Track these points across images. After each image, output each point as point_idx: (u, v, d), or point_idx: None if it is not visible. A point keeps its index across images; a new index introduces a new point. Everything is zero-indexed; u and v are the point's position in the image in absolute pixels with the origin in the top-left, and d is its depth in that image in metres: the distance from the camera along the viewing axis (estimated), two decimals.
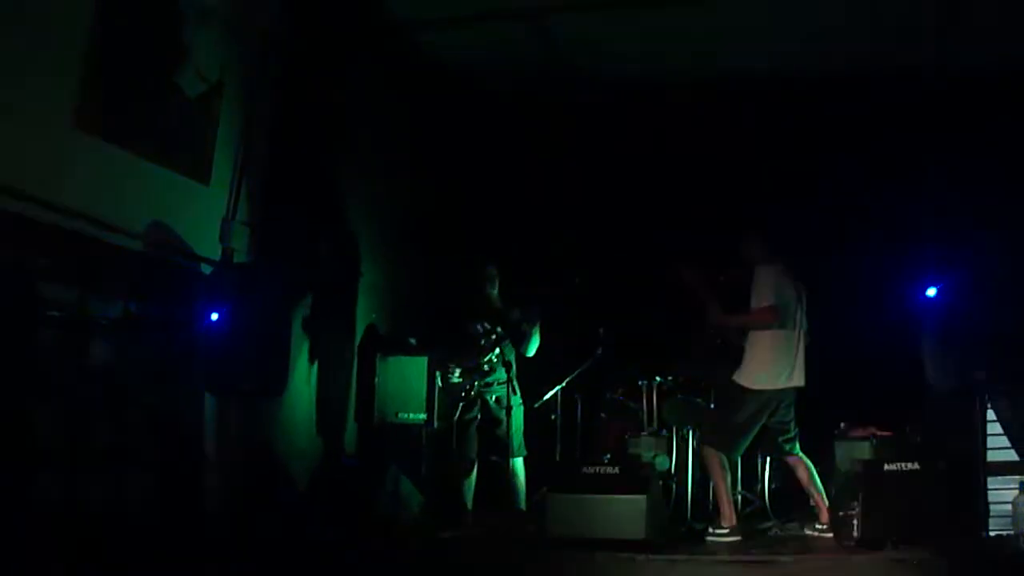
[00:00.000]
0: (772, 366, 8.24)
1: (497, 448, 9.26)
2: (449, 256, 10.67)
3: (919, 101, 10.00)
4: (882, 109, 10.14)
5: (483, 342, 9.24)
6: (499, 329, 9.18)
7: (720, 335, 9.36)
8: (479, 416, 9.34)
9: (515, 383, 9.30)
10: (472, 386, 9.21)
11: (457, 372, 9.20)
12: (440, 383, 9.31)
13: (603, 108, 11.22)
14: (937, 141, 9.89)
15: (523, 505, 9.27)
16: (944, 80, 9.94)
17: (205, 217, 8.13)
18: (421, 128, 10.99)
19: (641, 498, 7.71)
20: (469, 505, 9.39)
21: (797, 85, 10.41)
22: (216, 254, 8.15)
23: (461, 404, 9.23)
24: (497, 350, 9.22)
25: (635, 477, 7.93)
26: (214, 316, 7.69)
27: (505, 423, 9.07)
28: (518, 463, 9.32)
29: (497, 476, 9.41)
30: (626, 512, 7.70)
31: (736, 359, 8.49)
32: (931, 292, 8.25)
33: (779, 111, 10.60)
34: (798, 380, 8.30)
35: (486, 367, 9.23)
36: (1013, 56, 9.60)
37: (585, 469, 8.09)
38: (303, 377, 9.17)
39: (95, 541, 6.71)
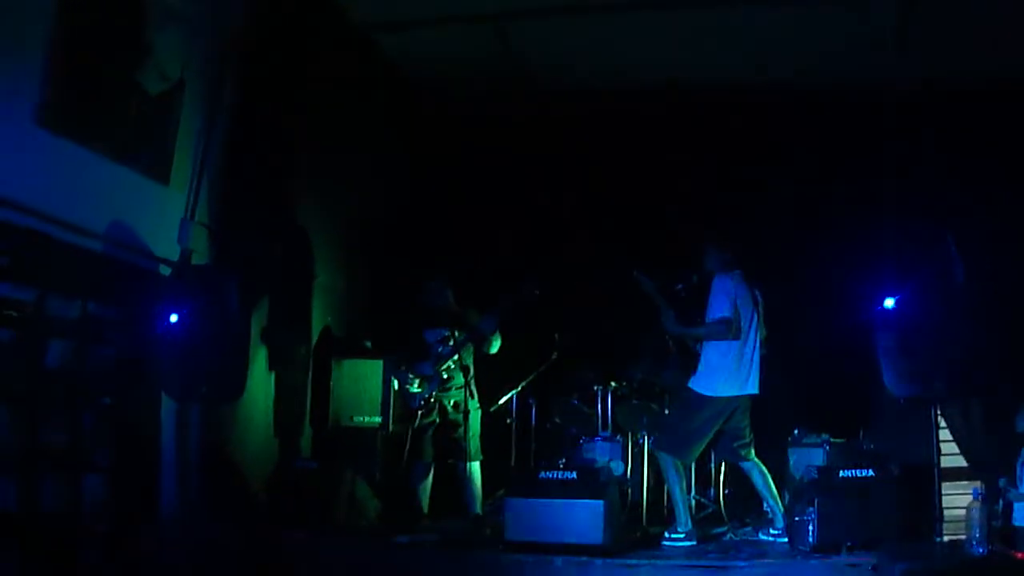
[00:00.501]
0: (727, 373, 8.27)
1: (454, 452, 9.22)
2: (404, 260, 10.66)
3: (880, 110, 10.09)
4: (842, 118, 10.23)
5: (441, 350, 9.20)
6: (457, 334, 9.14)
7: (674, 341, 9.42)
8: (436, 421, 9.29)
9: (472, 387, 9.28)
10: (431, 393, 9.17)
11: (416, 382, 9.16)
12: (396, 388, 9.30)
13: (561, 115, 11.27)
14: (897, 151, 9.99)
15: (479, 509, 9.26)
16: (906, 89, 10.04)
17: (164, 217, 8.08)
18: (379, 132, 10.98)
19: (599, 503, 7.69)
20: (425, 509, 9.35)
21: (756, 94, 10.49)
22: (175, 255, 8.09)
23: (420, 412, 9.19)
24: (456, 356, 9.18)
25: (593, 482, 7.90)
26: (173, 318, 7.64)
27: (462, 428, 9.04)
28: (474, 467, 9.28)
29: (453, 480, 9.37)
30: (584, 517, 7.67)
31: (691, 365, 8.52)
32: (889, 303, 8.30)
33: (738, 119, 10.66)
34: (752, 387, 8.34)
35: (444, 374, 9.19)
36: (972, 67, 9.74)
37: (542, 474, 8.06)
38: (259, 380, 9.13)
39: (50, 544, 6.65)
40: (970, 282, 8.28)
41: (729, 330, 8.21)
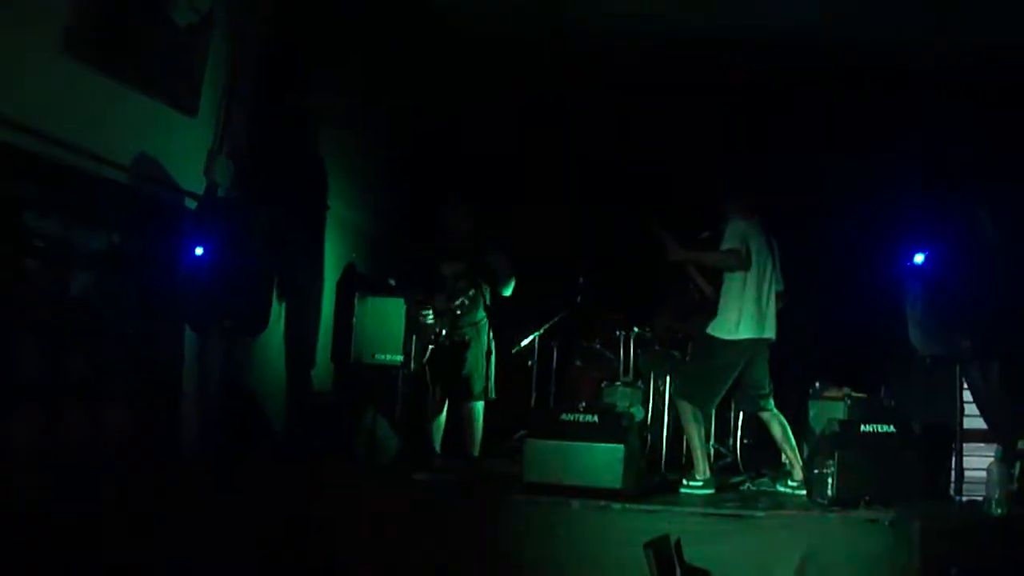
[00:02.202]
0: (743, 316, 8.25)
1: (459, 390, 9.20)
2: (429, 198, 10.60)
3: (915, 63, 9.98)
4: (879, 69, 10.12)
5: (456, 285, 9.15)
6: (473, 271, 9.08)
7: (698, 289, 9.39)
8: (449, 358, 9.25)
9: (487, 327, 9.26)
10: (443, 328, 9.12)
11: (431, 314, 9.10)
12: (413, 324, 9.26)
13: (590, 57, 11.13)
14: (932, 110, 9.88)
15: (476, 451, 9.23)
16: (938, 49, 9.92)
17: (191, 150, 8.06)
18: (404, 68, 10.89)
19: (619, 447, 7.70)
20: (438, 448, 9.33)
21: (788, 44, 10.36)
22: (200, 188, 8.08)
23: (431, 346, 9.15)
24: (471, 292, 9.12)
25: (614, 426, 7.89)
26: (198, 251, 7.64)
27: (469, 366, 9.05)
28: (478, 407, 9.24)
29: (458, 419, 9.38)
30: (604, 461, 7.68)
31: (711, 312, 8.50)
32: (919, 259, 8.25)
33: (767, 69, 10.55)
34: (769, 332, 8.33)
35: (458, 310, 9.13)
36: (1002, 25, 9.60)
37: (563, 416, 8.05)
38: (278, 315, 9.12)
39: (72, 474, 6.69)
40: (1002, 243, 8.22)
41: (738, 261, 8.20)
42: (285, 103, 8.93)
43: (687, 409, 8.40)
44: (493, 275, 9.14)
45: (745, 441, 9.60)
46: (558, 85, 11.37)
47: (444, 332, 9.03)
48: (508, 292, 9.22)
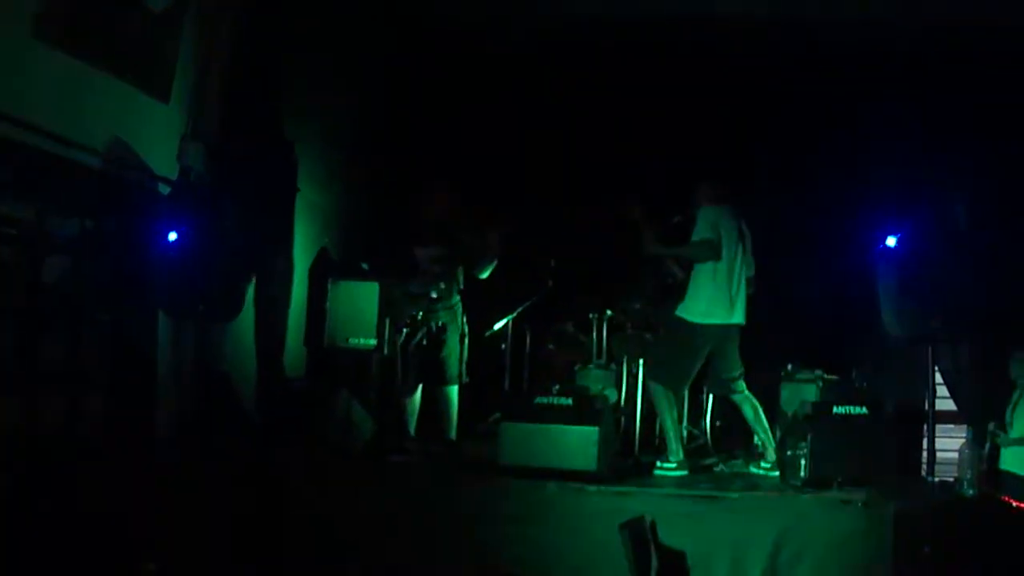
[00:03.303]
0: (713, 301, 8.29)
1: (434, 374, 9.23)
2: (402, 183, 10.59)
3: (882, 46, 10.03)
4: (845, 52, 10.16)
5: (431, 269, 9.15)
6: (449, 254, 9.10)
7: (671, 273, 9.42)
8: (424, 342, 9.26)
9: (460, 310, 9.28)
10: (418, 312, 9.13)
11: (402, 296, 9.10)
12: (387, 307, 9.26)
13: (561, 39, 11.13)
14: (904, 92, 9.93)
15: (453, 434, 9.26)
16: (911, 31, 9.96)
17: (164, 135, 8.05)
18: (377, 52, 10.86)
19: (594, 429, 7.73)
20: (412, 431, 9.35)
21: (753, 28, 10.38)
22: (173, 173, 8.06)
23: (406, 330, 9.15)
24: (446, 276, 9.13)
25: (588, 409, 7.92)
26: (171, 236, 7.63)
27: (446, 349, 9.07)
28: (453, 391, 9.29)
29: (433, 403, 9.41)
30: (578, 443, 7.71)
31: (683, 295, 8.54)
32: (891, 241, 8.30)
33: (736, 53, 10.58)
34: (739, 317, 8.37)
35: (434, 294, 9.13)
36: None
37: (538, 399, 8.08)
38: (250, 299, 9.11)
39: (47, 461, 6.68)
40: (973, 228, 8.30)
41: (712, 252, 8.23)
42: (257, 88, 8.89)
43: (659, 391, 8.43)
44: (470, 258, 9.15)
45: (718, 423, 9.65)
46: (529, 67, 11.35)
47: (419, 315, 9.05)
48: (485, 275, 9.23)
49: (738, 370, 8.45)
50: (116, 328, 7.53)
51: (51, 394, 6.94)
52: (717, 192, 8.45)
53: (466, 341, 9.29)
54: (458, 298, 9.26)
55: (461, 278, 9.26)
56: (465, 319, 9.32)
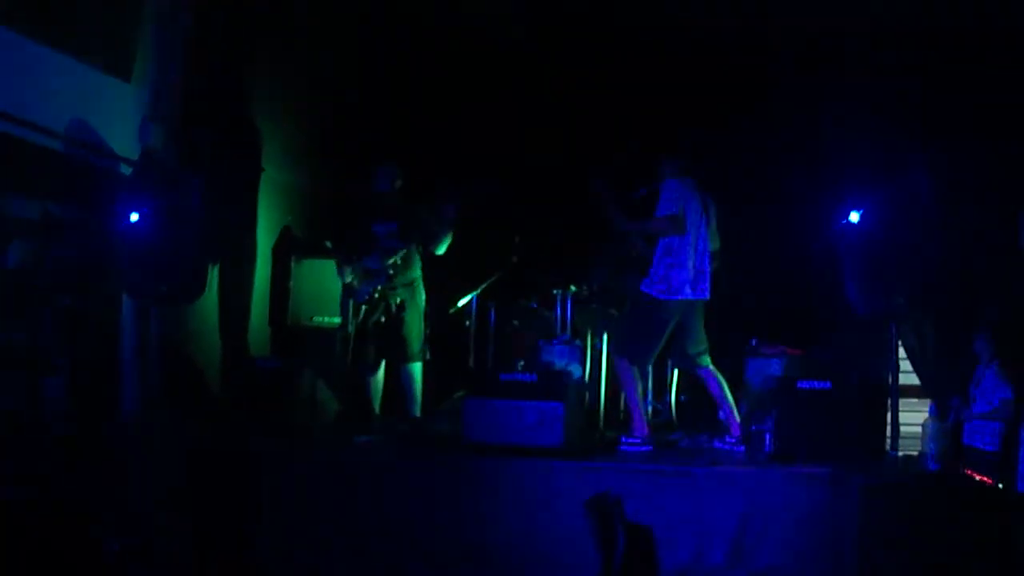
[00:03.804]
0: (677, 276, 8.30)
1: (395, 352, 9.22)
2: (362, 159, 10.54)
3: (845, 20, 10.02)
4: (806, 26, 10.18)
5: (386, 244, 9.13)
6: (405, 230, 9.07)
7: (635, 247, 9.42)
8: (383, 319, 9.23)
9: (421, 287, 9.27)
10: (376, 289, 9.10)
11: (348, 272, 9.06)
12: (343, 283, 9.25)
13: (521, 16, 11.11)
14: (865, 61, 9.96)
15: (417, 412, 9.26)
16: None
17: (125, 115, 7.97)
18: (342, 30, 10.81)
19: (558, 405, 7.73)
20: (377, 409, 9.35)
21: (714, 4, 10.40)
22: (135, 154, 7.99)
23: (364, 307, 9.14)
24: (402, 251, 9.11)
25: (553, 384, 7.95)
26: (133, 217, 7.57)
27: (406, 327, 9.08)
28: (416, 368, 9.27)
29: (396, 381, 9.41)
30: (543, 419, 7.72)
31: (647, 270, 8.56)
32: (854, 217, 8.31)
33: (698, 27, 10.58)
34: (703, 293, 8.39)
35: (390, 270, 9.10)
36: None
37: (502, 375, 8.10)
38: (213, 280, 9.07)
39: (11, 446, 6.66)
40: (939, 205, 8.35)
41: (675, 227, 8.24)
42: (220, 67, 8.83)
43: (624, 366, 8.47)
44: (426, 233, 9.13)
45: (682, 398, 9.71)
46: (492, 43, 11.33)
47: (378, 292, 9.03)
48: (442, 251, 9.19)
49: (703, 345, 8.49)
50: (78, 311, 7.47)
51: (12, 378, 6.90)
52: (681, 166, 8.45)
53: (427, 319, 9.30)
54: (418, 274, 9.25)
55: (418, 254, 9.25)
56: (425, 297, 9.32)
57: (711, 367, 8.50)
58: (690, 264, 8.31)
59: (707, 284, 8.41)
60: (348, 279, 9.02)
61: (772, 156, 10.49)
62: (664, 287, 8.32)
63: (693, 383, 9.15)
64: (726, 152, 9.79)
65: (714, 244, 8.52)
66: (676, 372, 9.59)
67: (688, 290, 8.32)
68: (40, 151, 7.02)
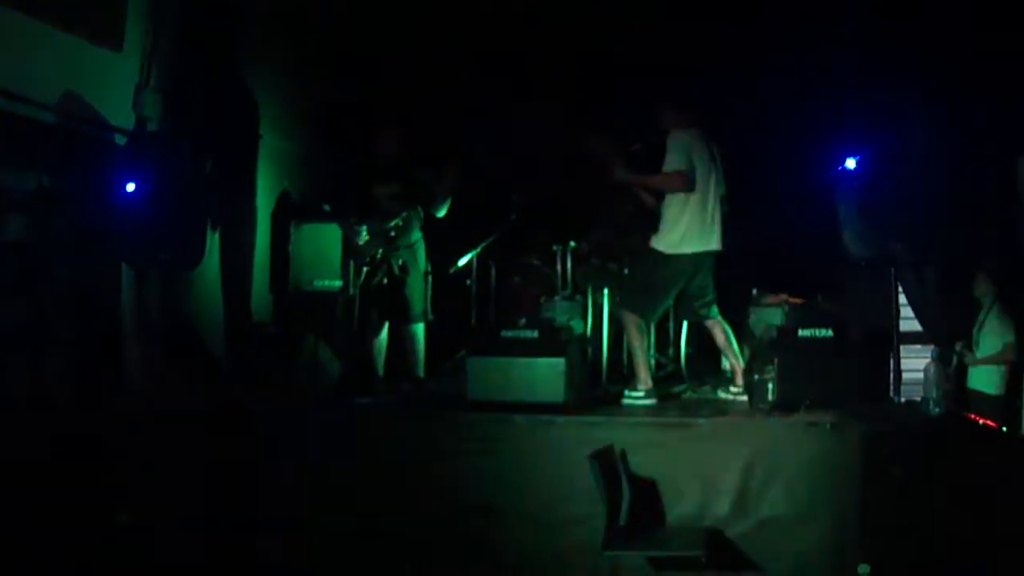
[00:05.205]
0: (689, 231, 8.23)
1: (398, 313, 9.24)
2: (359, 122, 10.52)
3: None
4: None
5: (389, 206, 9.13)
6: (406, 191, 9.07)
7: (634, 201, 9.39)
8: (385, 280, 9.24)
9: (422, 248, 9.28)
10: (377, 251, 9.11)
11: (364, 231, 9.06)
12: (349, 248, 9.24)
13: None
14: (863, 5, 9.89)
15: (421, 372, 9.30)
16: None
17: (118, 85, 7.96)
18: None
19: (560, 360, 7.70)
20: (380, 371, 9.38)
21: None
22: (130, 123, 7.99)
23: (366, 269, 9.14)
24: (404, 213, 9.12)
25: (554, 340, 7.92)
26: (130, 187, 7.58)
27: (408, 287, 9.09)
28: (419, 328, 9.31)
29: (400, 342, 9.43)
30: (545, 375, 7.68)
31: (653, 225, 8.52)
32: (850, 163, 8.28)
33: None
34: (715, 244, 8.32)
35: (392, 232, 9.11)
36: None
37: (503, 333, 8.09)
38: (217, 246, 9.09)
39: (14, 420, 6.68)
40: (935, 149, 8.31)
41: (684, 182, 8.15)
42: (213, 33, 8.80)
43: (631, 320, 8.44)
44: (427, 196, 9.13)
45: (688, 350, 9.70)
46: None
47: (380, 254, 9.04)
48: (442, 213, 9.22)
49: (711, 295, 8.46)
50: (79, 283, 7.49)
51: (15, 352, 6.91)
52: (685, 116, 8.36)
53: (429, 279, 9.31)
54: (419, 235, 9.26)
55: (420, 216, 9.25)
56: (427, 257, 9.33)
57: (718, 317, 8.48)
58: (701, 218, 8.23)
59: (719, 235, 8.33)
60: (364, 239, 9.01)
61: (769, 102, 10.43)
62: (674, 243, 8.26)
63: (696, 334, 9.15)
64: (720, 99, 9.72)
65: (721, 188, 8.46)
66: (685, 325, 9.57)
67: (700, 245, 8.27)
68: (33, 124, 7.01)
